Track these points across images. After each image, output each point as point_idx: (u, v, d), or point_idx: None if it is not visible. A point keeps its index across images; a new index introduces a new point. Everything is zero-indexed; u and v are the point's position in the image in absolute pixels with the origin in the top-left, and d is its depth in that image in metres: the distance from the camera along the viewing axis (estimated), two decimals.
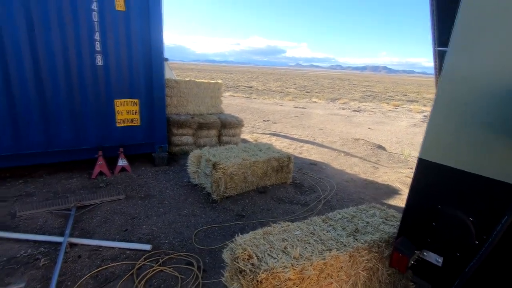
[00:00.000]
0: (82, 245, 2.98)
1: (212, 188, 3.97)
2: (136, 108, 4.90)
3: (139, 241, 3.13)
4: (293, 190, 4.61)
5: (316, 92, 28.37)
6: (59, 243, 2.95)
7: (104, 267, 2.69)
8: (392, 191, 4.83)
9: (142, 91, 4.87)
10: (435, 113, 1.51)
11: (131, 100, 4.82)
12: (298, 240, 1.96)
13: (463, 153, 1.43)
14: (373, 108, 18.01)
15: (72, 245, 2.96)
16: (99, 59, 4.41)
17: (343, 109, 16.87)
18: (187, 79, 6.41)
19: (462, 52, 1.40)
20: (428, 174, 1.55)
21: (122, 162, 4.81)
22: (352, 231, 2.12)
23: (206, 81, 6.55)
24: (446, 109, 1.47)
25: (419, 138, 10.08)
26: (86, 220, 3.44)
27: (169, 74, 7.84)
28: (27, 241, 2.99)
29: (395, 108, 18.66)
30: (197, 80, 6.37)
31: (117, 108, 4.73)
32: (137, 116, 4.93)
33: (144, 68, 4.81)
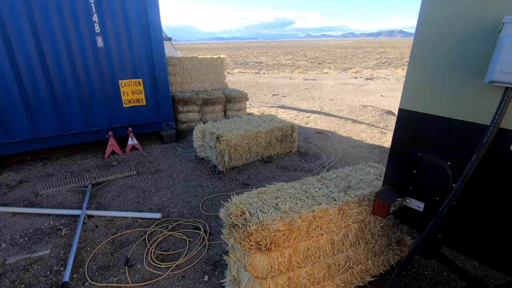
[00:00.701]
0: (98, 216, 3.23)
1: (217, 160, 4.11)
2: (141, 88, 5.01)
3: (150, 210, 3.34)
4: (297, 158, 4.68)
5: (328, 63, 27.54)
6: (78, 215, 3.21)
7: (119, 234, 2.93)
8: None
9: (144, 71, 4.96)
10: (411, 63, 1.51)
11: (135, 80, 4.93)
12: (290, 197, 2.06)
13: (438, 98, 1.44)
14: (387, 75, 17.39)
15: (89, 216, 3.21)
16: (99, 41, 4.49)
17: (355, 78, 16.40)
18: (189, 55, 6.42)
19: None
20: (408, 123, 1.58)
21: (132, 141, 5.01)
22: (344, 188, 2.19)
23: (209, 56, 6.54)
24: (421, 57, 1.47)
25: None
26: (101, 195, 3.69)
27: (173, 53, 7.86)
28: (49, 215, 3.27)
29: None
30: (199, 57, 6.38)
31: (122, 89, 4.86)
32: (142, 96, 5.06)
33: (145, 47, 4.86)
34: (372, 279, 2.25)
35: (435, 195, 1.54)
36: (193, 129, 5.71)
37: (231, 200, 2.04)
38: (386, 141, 5.44)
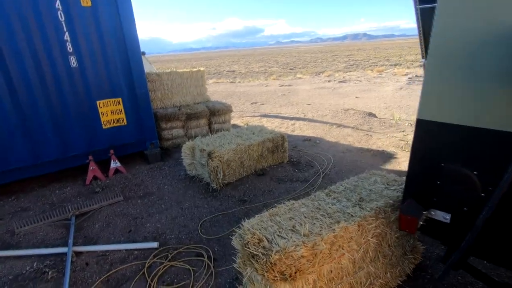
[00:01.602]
0: (88, 252, 2.94)
1: (210, 178, 3.94)
2: (120, 107, 4.74)
3: (145, 240, 3.10)
4: (291, 168, 4.61)
5: (299, 68, 28.11)
6: (64, 254, 2.90)
7: (114, 270, 2.67)
8: (388, 156, 4.88)
9: (123, 89, 4.70)
10: (429, 71, 1.47)
11: (113, 99, 4.66)
12: (305, 217, 1.96)
13: (461, 107, 1.41)
14: (358, 77, 17.99)
15: (77, 253, 2.92)
16: (73, 61, 4.20)
17: (329, 81, 16.80)
18: (168, 70, 6.21)
19: (453, 4, 1.35)
20: (428, 133, 1.54)
21: (114, 164, 4.71)
22: (357, 201, 2.12)
23: (188, 70, 6.36)
24: (440, 65, 1.43)
25: (407, 101, 10.16)
26: (87, 227, 3.39)
27: (149, 68, 7.60)
28: (31, 256, 2.93)
29: (380, 74, 18.67)
30: (179, 71, 6.18)
31: (100, 110, 4.57)
32: (122, 116, 4.78)
33: (122, 64, 4.61)
34: None
35: (462, 205, 1.50)
36: (179, 145, 5.51)
37: (243, 227, 1.90)
38: (373, 143, 5.53)
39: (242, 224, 1.94)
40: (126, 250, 2.94)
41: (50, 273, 2.67)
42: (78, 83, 4.29)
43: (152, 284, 2.47)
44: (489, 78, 1.30)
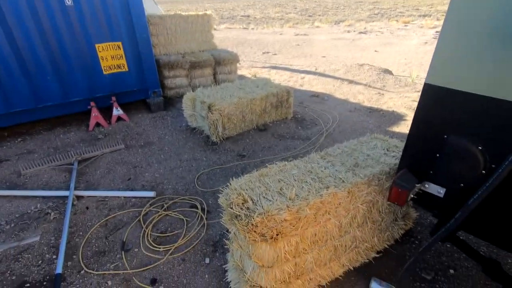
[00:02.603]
0: (88, 196, 3.06)
1: (210, 131, 3.88)
2: (121, 52, 4.53)
3: (143, 188, 3.18)
4: (294, 125, 4.48)
5: (319, 15, 26.08)
6: (66, 197, 3.02)
7: (112, 215, 2.79)
8: (397, 117, 4.66)
9: (123, 32, 4.44)
10: (446, 29, 1.25)
11: (113, 43, 4.43)
12: (294, 179, 1.90)
13: (476, 74, 1.22)
14: (381, 28, 16.60)
15: (79, 197, 3.04)
16: None
17: (348, 32, 15.61)
18: (171, 13, 5.80)
19: None
20: (435, 101, 1.37)
21: (117, 111, 4.67)
22: (351, 166, 2.03)
23: (194, 13, 5.92)
24: (458, 25, 1.21)
25: (429, 57, 9.42)
26: (89, 173, 3.48)
27: (154, 9, 7.12)
28: (35, 197, 3.07)
29: (405, 26, 17.16)
30: (183, 14, 5.76)
31: (100, 54, 4.38)
32: (123, 61, 4.60)
33: (121, 5, 4.28)
34: (377, 255, 2.21)
35: (459, 181, 1.39)
36: (182, 95, 5.36)
37: (231, 185, 1.87)
38: (384, 103, 5.25)
39: (229, 183, 1.91)
40: (125, 197, 3.04)
41: (52, 214, 2.81)
42: (75, 23, 4.05)
43: (147, 231, 2.58)
44: (507, 44, 1.09)
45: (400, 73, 7.58)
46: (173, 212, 2.80)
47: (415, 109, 1.46)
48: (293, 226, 1.66)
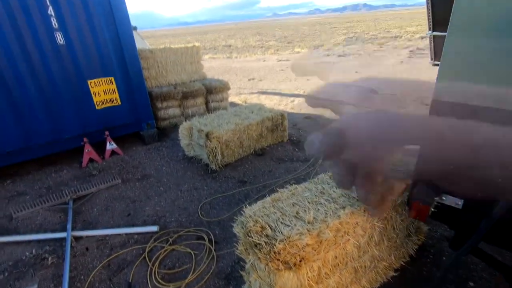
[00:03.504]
0: (87, 237, 2.91)
1: (209, 159, 3.85)
2: (113, 86, 4.54)
3: (145, 223, 3.07)
4: (291, 147, 4.52)
5: (297, 42, 27.27)
6: (64, 239, 2.87)
7: (115, 255, 2.65)
8: None
9: (115, 67, 4.48)
10: (450, 44, 1.33)
11: (105, 78, 4.45)
12: (308, 202, 1.88)
13: (481, 87, 1.28)
14: (358, 51, 17.49)
15: (77, 238, 2.88)
16: (59, 38, 3.95)
17: (328, 55, 16.34)
18: (161, 46, 5.93)
19: None
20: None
21: (111, 145, 4.60)
22: None
23: (183, 46, 6.08)
24: (462, 40, 1.29)
25: (408, 75, 9.92)
26: (86, 211, 3.34)
27: (142, 43, 7.27)
28: (30, 242, 2.90)
29: (380, 47, 18.15)
30: (172, 47, 5.90)
31: (92, 90, 4.38)
32: (116, 95, 4.60)
33: (112, 41, 4.36)
34: (395, 274, 2.17)
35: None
36: (176, 125, 5.38)
37: (245, 213, 1.83)
38: None
39: (243, 211, 1.87)
40: (126, 234, 2.91)
41: (50, 258, 2.65)
42: (67, 61, 4.07)
43: (154, 268, 2.45)
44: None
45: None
46: (180, 246, 2.69)
47: None
48: (315, 251, 1.62)
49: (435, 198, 1.51)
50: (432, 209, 1.55)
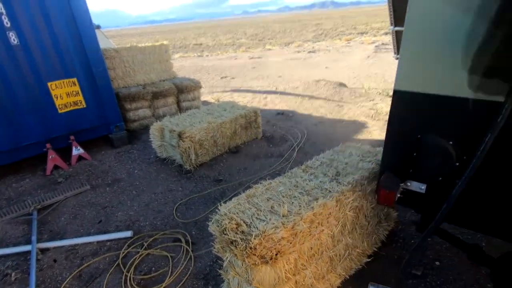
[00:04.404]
0: (55, 248, 2.75)
1: (182, 159, 3.78)
2: (77, 88, 4.31)
3: (118, 229, 2.95)
4: (265, 143, 4.55)
5: (268, 39, 27.43)
6: (28, 252, 2.69)
7: (86, 264, 2.53)
8: (360, 126, 4.96)
9: (77, 68, 4.25)
10: (406, 39, 1.40)
11: (67, 80, 4.21)
12: (283, 196, 1.91)
13: (438, 76, 1.36)
14: (327, 46, 17.92)
15: (43, 250, 2.72)
16: (12, 38, 3.68)
17: (299, 52, 16.59)
18: (127, 45, 5.71)
19: None
20: (405, 105, 1.50)
21: (77, 150, 4.36)
22: (333, 175, 2.10)
23: (150, 44, 5.89)
24: (416, 32, 1.36)
25: (374, 69, 10.32)
26: (52, 221, 3.15)
27: (106, 43, 6.96)
28: None
29: (348, 43, 18.71)
30: (139, 45, 5.70)
31: (53, 92, 4.12)
32: (80, 98, 4.37)
33: (73, 41, 4.12)
34: (369, 260, 2.26)
35: (437, 175, 1.51)
36: (146, 126, 5.21)
37: (220, 211, 1.82)
38: (345, 113, 5.58)
39: (218, 209, 1.85)
40: (98, 242, 2.79)
41: (13, 274, 2.47)
42: (23, 63, 3.79)
43: (129, 275, 2.37)
44: (462, 46, 1.25)
45: (352, 85, 8.16)
46: (155, 249, 2.62)
47: (388, 115, 1.58)
48: (291, 243, 1.65)
49: (401, 184, 1.59)
50: (399, 195, 1.63)
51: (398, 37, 4.73)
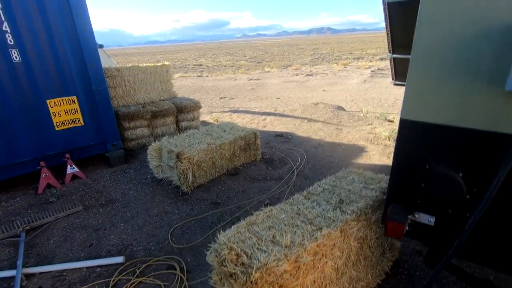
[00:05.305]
0: (41, 273, 2.60)
1: (180, 181, 3.69)
2: (76, 106, 4.28)
3: (109, 254, 2.81)
4: (264, 166, 4.49)
5: (267, 62, 28.07)
6: (12, 277, 2.53)
7: None
8: (359, 150, 4.94)
9: (78, 86, 4.24)
10: (412, 68, 1.39)
11: (67, 98, 4.19)
12: (285, 224, 1.83)
13: (446, 107, 1.34)
14: (324, 70, 18.32)
15: (28, 276, 2.57)
16: (15, 55, 3.69)
17: (296, 75, 16.92)
18: (129, 65, 5.76)
19: (436, 4, 1.27)
20: (412, 134, 1.47)
21: (71, 169, 4.26)
22: (337, 203, 2.04)
23: (152, 64, 5.95)
24: (423, 62, 1.36)
25: (371, 93, 10.49)
26: (41, 244, 3.01)
27: (108, 62, 7.02)
28: None
29: (344, 67, 19.17)
30: (141, 65, 5.75)
31: (52, 110, 4.09)
32: (78, 115, 4.33)
33: (75, 59, 4.15)
34: None
35: (447, 207, 1.45)
36: (144, 146, 5.15)
37: (219, 240, 1.73)
38: (344, 137, 5.58)
39: (217, 237, 1.77)
40: (87, 267, 2.64)
41: None
42: (23, 80, 3.78)
43: None
44: (472, 77, 1.25)
45: (349, 108, 8.25)
46: (148, 277, 2.48)
47: (395, 143, 1.54)
48: (293, 277, 1.56)
49: (409, 216, 1.53)
50: (407, 228, 1.56)
51: (396, 64, 4.83)
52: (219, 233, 1.79)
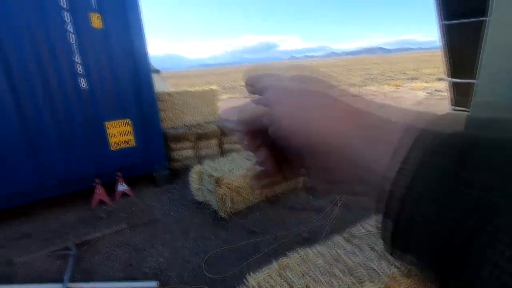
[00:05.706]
0: None
1: (218, 206, 3.69)
2: (129, 128, 4.62)
3: (145, 276, 2.86)
4: (305, 194, 4.30)
5: None
6: None
7: None
8: None
9: (133, 110, 4.59)
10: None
11: (123, 120, 4.55)
12: (321, 272, 1.66)
13: None
14: (374, 92, 17.54)
15: None
16: (83, 83, 4.14)
17: None
18: (180, 89, 6.12)
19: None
20: None
21: (122, 187, 4.55)
22: (382, 251, 1.81)
23: (201, 89, 6.25)
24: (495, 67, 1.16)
25: None
26: (87, 259, 3.19)
27: (162, 86, 7.57)
28: None
29: (397, 88, 18.16)
30: (190, 90, 6.07)
31: (109, 131, 4.46)
32: (131, 137, 4.66)
33: (132, 85, 4.52)
34: None
35: None
36: (188, 167, 5.30)
37: (249, 283, 1.63)
38: None
39: (246, 279, 1.67)
40: None
41: None
42: (87, 105, 4.21)
43: None
44: None
45: None
46: None
47: None
48: None
49: None
50: None
51: (457, 89, 4.36)
52: (250, 275, 1.70)
